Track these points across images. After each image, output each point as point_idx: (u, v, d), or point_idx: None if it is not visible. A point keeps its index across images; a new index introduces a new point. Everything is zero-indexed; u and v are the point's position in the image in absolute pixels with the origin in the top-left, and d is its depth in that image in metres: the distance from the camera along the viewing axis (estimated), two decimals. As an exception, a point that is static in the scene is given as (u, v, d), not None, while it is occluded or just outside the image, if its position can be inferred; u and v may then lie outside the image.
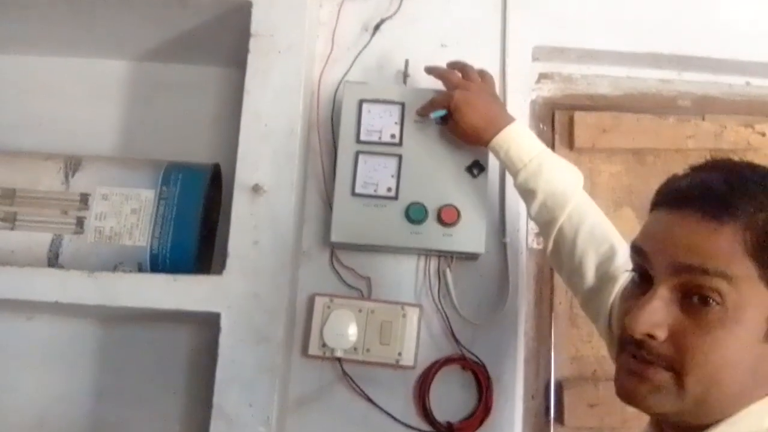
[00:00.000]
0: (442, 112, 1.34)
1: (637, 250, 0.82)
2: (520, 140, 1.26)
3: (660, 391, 0.76)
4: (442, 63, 1.41)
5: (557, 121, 1.61)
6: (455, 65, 1.38)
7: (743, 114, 1.63)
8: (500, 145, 1.26)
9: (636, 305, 0.78)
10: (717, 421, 0.76)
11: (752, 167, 0.80)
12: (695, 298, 0.74)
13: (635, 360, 0.78)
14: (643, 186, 1.56)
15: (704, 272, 0.73)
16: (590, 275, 1.16)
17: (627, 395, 0.80)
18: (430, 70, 1.39)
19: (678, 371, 0.75)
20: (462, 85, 1.32)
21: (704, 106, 1.62)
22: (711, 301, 0.73)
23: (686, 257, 0.75)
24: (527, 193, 1.25)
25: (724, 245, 0.73)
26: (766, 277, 0.72)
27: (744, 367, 0.74)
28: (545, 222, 1.24)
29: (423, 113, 1.39)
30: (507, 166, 1.27)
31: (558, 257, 1.23)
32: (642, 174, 1.58)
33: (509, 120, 1.28)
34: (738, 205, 0.74)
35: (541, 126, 1.60)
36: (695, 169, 0.81)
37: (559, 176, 1.23)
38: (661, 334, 0.76)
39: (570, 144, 1.59)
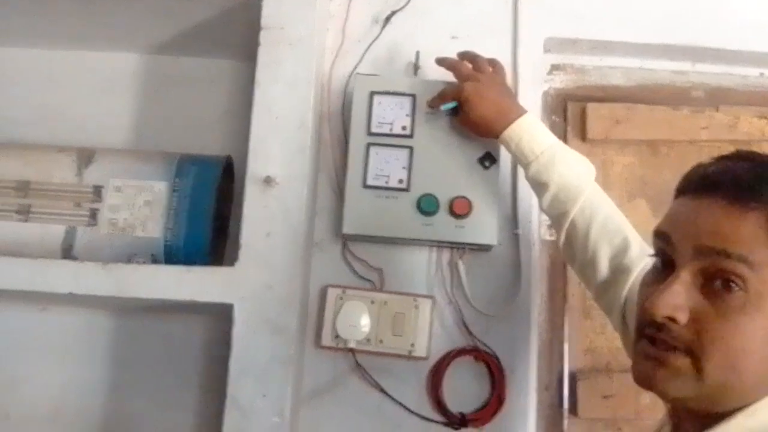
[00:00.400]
0: (452, 104, 1.34)
1: (660, 235, 0.82)
2: (531, 132, 1.25)
3: (678, 377, 0.76)
4: (453, 54, 1.41)
5: (570, 113, 1.60)
6: (465, 56, 1.38)
7: (757, 105, 1.61)
8: (511, 137, 1.25)
9: (658, 289, 0.77)
10: (734, 411, 0.76)
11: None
12: (717, 282, 0.74)
13: (654, 345, 0.78)
14: (656, 177, 1.56)
15: (727, 256, 0.73)
16: (603, 268, 1.16)
17: (645, 380, 0.80)
18: (441, 62, 1.39)
19: (697, 356, 0.75)
20: (472, 77, 1.32)
21: (718, 97, 1.61)
22: (733, 286, 0.73)
23: (710, 241, 0.75)
24: (539, 186, 1.24)
25: (747, 231, 0.73)
26: None
27: (763, 356, 0.73)
28: (557, 215, 1.23)
29: (433, 105, 1.38)
30: (518, 159, 1.26)
31: (571, 250, 1.23)
32: (655, 165, 1.57)
33: (520, 112, 1.27)
34: (763, 193, 0.74)
35: (554, 118, 1.60)
36: (721, 158, 0.81)
37: (571, 169, 1.22)
38: (683, 317, 0.75)
39: (582, 135, 1.58)
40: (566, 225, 1.21)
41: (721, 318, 0.74)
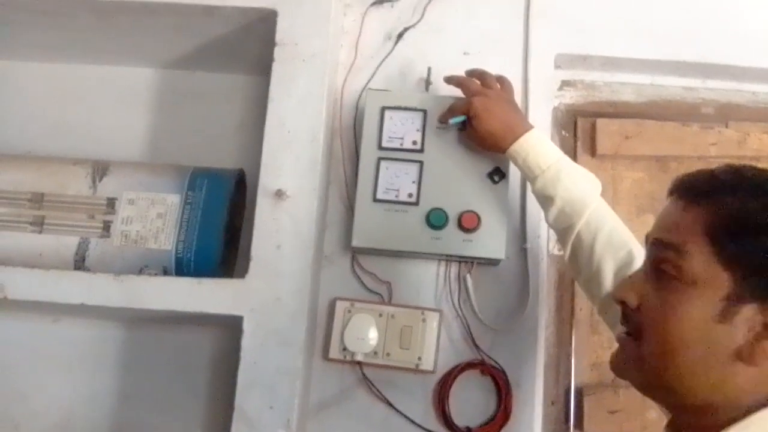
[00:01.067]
0: (461, 119, 1.35)
1: (645, 238, 0.89)
2: (538, 147, 1.26)
3: (628, 360, 0.85)
4: (464, 71, 1.42)
5: (579, 128, 1.61)
6: (474, 73, 1.39)
7: (767, 121, 1.62)
8: (518, 152, 1.27)
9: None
10: (729, 423, 0.77)
11: (757, 169, 0.83)
12: (659, 271, 0.82)
13: (624, 334, 0.87)
14: (665, 193, 1.55)
15: (664, 246, 0.82)
16: (608, 281, 1.17)
17: (611, 366, 0.88)
18: (449, 80, 1.40)
19: (640, 340, 0.82)
20: (481, 92, 1.33)
21: (728, 113, 1.62)
22: (669, 273, 0.80)
23: (657, 234, 0.84)
24: (545, 200, 1.26)
25: (685, 224, 0.80)
26: (722, 258, 0.77)
27: (697, 344, 0.77)
28: (563, 229, 1.25)
29: (443, 120, 1.40)
30: (525, 173, 1.28)
31: (576, 264, 1.24)
32: (665, 181, 1.54)
33: (527, 127, 1.28)
34: (712, 192, 0.80)
35: (564, 133, 1.61)
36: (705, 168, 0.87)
37: (576, 183, 1.23)
38: (632, 300, 0.84)
39: (592, 151, 1.59)
40: (572, 239, 1.22)
41: (659, 303, 0.81)
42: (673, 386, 0.80)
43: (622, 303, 0.86)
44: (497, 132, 1.29)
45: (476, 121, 1.31)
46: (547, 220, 1.29)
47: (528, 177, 1.28)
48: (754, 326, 0.75)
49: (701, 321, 0.77)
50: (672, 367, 0.79)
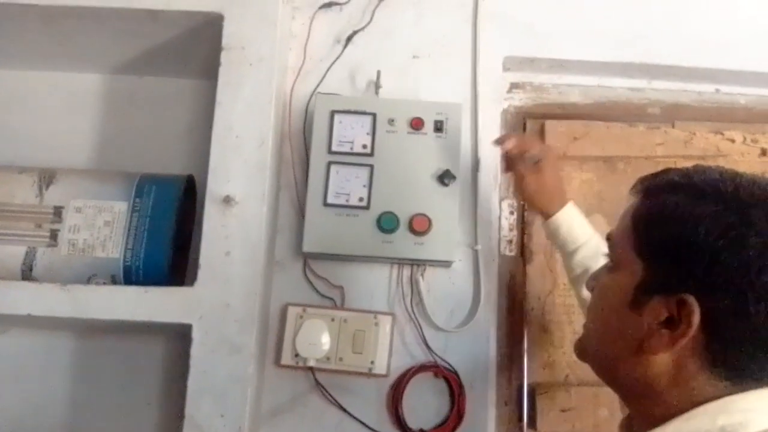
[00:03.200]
0: (536, 158, 1.33)
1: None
2: (580, 218, 1.32)
3: (580, 343, 0.91)
4: (413, 73, 1.48)
5: (529, 130, 1.63)
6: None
7: (712, 121, 1.65)
8: (564, 219, 1.31)
9: None
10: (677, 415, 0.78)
11: (704, 168, 0.83)
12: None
13: None
14: (613, 193, 1.58)
15: (608, 236, 0.87)
16: None
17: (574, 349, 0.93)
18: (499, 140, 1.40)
19: None
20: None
21: (674, 113, 1.64)
22: (607, 258, 0.87)
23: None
24: (585, 270, 1.28)
25: (624, 216, 0.84)
26: (638, 247, 0.80)
27: (612, 329, 0.82)
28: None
29: (510, 149, 1.35)
30: (565, 240, 1.31)
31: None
32: (613, 181, 1.60)
33: (566, 198, 1.34)
34: (649, 188, 0.82)
35: (513, 134, 1.62)
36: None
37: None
38: (589, 285, 0.91)
39: (541, 152, 1.60)
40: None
41: (597, 289, 0.88)
42: (606, 370, 0.85)
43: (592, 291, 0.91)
44: (554, 189, 1.33)
45: (549, 167, 1.33)
46: (578, 295, 1.34)
47: (568, 245, 1.30)
48: (657, 317, 0.76)
49: (618, 306, 0.80)
50: (600, 350, 0.85)
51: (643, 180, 0.86)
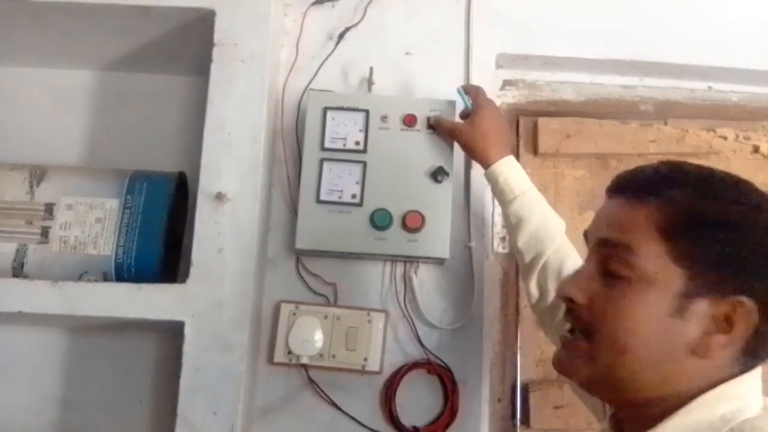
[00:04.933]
0: (469, 103, 1.35)
1: (584, 235, 0.90)
2: (518, 170, 1.29)
3: (577, 357, 0.84)
4: (406, 70, 1.46)
5: (521, 127, 1.63)
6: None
7: (705, 118, 1.65)
8: (501, 170, 1.28)
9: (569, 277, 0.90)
10: (673, 410, 0.79)
11: (697, 166, 0.84)
12: (610, 269, 0.82)
13: (568, 334, 0.87)
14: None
15: (615, 245, 0.82)
16: None
17: (555, 363, 0.89)
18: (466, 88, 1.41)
19: (592, 337, 0.82)
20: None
21: (666, 110, 1.64)
22: (621, 271, 0.80)
23: (606, 233, 0.84)
24: (519, 221, 1.26)
25: (636, 222, 0.80)
26: (674, 254, 0.78)
27: (652, 339, 0.78)
28: (533, 255, 1.26)
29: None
30: (503, 191, 1.28)
31: (540, 290, 1.26)
32: (605, 178, 1.56)
33: (510, 150, 1.32)
34: (659, 188, 0.81)
35: (506, 132, 1.62)
36: (644, 164, 0.88)
37: (550, 211, 1.28)
38: (581, 297, 0.84)
39: (534, 149, 1.60)
40: (539, 264, 1.24)
41: (611, 301, 0.81)
42: (625, 382, 0.81)
43: (569, 300, 0.85)
44: (492, 138, 1.31)
45: (479, 117, 1.32)
46: (514, 244, 1.29)
47: (505, 196, 1.28)
48: (706, 320, 0.76)
49: (656, 317, 0.78)
50: (627, 363, 0.80)
51: (627, 180, 0.85)
